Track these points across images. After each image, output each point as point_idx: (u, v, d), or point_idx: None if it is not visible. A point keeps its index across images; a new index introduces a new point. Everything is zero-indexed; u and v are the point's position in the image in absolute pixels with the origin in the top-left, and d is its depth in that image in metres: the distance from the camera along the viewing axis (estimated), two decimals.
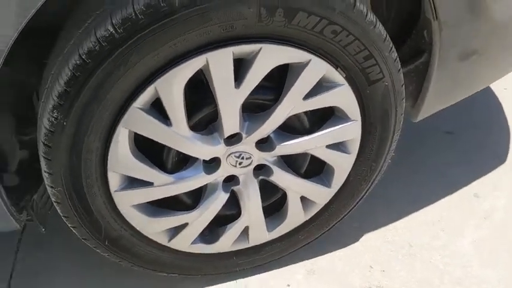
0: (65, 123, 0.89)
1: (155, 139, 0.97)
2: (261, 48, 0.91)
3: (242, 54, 0.91)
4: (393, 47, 1.02)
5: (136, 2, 0.82)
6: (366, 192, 1.23)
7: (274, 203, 1.21)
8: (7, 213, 1.00)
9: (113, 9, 0.82)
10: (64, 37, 0.90)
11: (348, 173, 1.16)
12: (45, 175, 0.97)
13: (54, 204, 1.02)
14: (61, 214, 1.04)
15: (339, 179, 1.18)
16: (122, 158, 0.96)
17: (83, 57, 0.84)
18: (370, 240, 1.38)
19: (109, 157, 0.95)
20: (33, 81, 1.01)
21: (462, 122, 1.72)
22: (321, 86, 1.01)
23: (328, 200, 1.21)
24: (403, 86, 1.08)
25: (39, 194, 1.14)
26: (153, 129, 0.95)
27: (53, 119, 0.88)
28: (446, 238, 1.38)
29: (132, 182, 1.02)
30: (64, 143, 0.91)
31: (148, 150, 1.01)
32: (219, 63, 0.90)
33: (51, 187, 0.98)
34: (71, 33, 0.87)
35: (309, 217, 1.22)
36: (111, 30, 0.82)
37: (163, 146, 1.01)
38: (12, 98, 1.04)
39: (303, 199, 1.19)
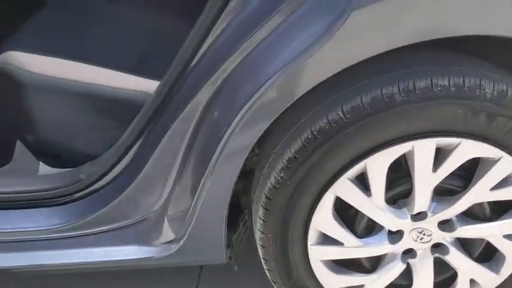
0: (288, 182, 1.10)
1: (354, 205, 1.14)
2: (460, 142, 1.06)
3: (443, 144, 1.07)
4: None
5: (364, 95, 1.02)
6: None
7: (442, 282, 1.31)
8: (223, 245, 1.22)
9: (343, 100, 1.04)
10: (295, 114, 1.12)
11: None
12: (259, 221, 1.18)
13: (259, 247, 1.23)
14: (262, 257, 1.24)
15: (508, 268, 1.24)
16: (325, 218, 1.15)
17: (314, 133, 1.05)
18: None
19: (314, 215, 1.14)
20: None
21: None
22: (509, 180, 1.12)
23: (494, 287, 1.28)
24: None
25: (237, 234, 1.36)
26: (355, 197, 1.13)
27: (279, 177, 1.10)
28: None
29: (326, 240, 1.20)
30: (283, 198, 1.13)
31: (343, 213, 1.19)
32: (422, 151, 1.06)
33: (262, 232, 1.19)
34: (302, 112, 1.10)
35: None
36: (341, 115, 1.03)
37: (356, 212, 1.18)
38: None
39: (471, 281, 1.27)
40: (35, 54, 1.28)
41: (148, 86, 1.28)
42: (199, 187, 1.13)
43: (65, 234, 1.25)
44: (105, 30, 1.51)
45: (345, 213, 1.19)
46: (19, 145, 1.40)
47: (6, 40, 1.33)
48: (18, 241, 1.26)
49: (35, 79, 1.25)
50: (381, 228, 1.20)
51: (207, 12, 1.05)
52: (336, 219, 1.16)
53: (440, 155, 1.09)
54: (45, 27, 1.43)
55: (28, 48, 1.29)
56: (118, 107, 1.29)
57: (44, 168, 1.36)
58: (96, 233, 1.25)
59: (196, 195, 1.13)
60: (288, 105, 1.03)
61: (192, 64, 1.09)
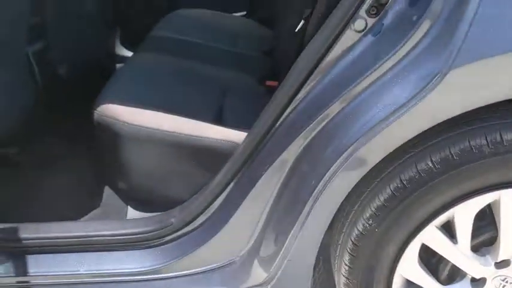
0: (376, 230, 1.15)
1: (440, 253, 1.18)
2: None
3: None
4: None
5: (452, 146, 1.07)
6: None
7: None
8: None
9: (433, 150, 1.09)
10: (383, 164, 1.17)
11: None
12: (344, 267, 1.22)
13: None
14: None
15: None
16: (410, 264, 1.19)
17: (404, 182, 1.10)
18: None
19: (400, 262, 1.18)
20: None
21: None
22: None
23: None
24: None
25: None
26: (441, 245, 1.16)
27: (368, 225, 1.15)
28: None
29: (410, 286, 1.23)
30: (370, 245, 1.17)
31: (426, 260, 1.22)
32: (509, 200, 1.10)
33: (347, 278, 1.23)
34: (390, 162, 1.14)
35: None
36: (430, 165, 1.08)
37: (440, 259, 1.21)
38: None
39: None
40: (129, 106, 1.38)
41: (232, 135, 1.37)
42: (290, 235, 1.18)
43: (154, 276, 1.31)
44: (188, 84, 1.63)
45: (428, 260, 1.23)
46: (107, 190, 1.49)
47: (103, 93, 1.44)
48: (110, 282, 1.32)
49: (129, 129, 1.35)
50: (464, 275, 1.23)
51: (299, 70, 1.14)
52: (421, 266, 1.20)
53: None
54: (136, 81, 1.55)
55: (123, 101, 1.39)
56: (204, 155, 1.37)
57: (132, 213, 1.44)
58: (185, 276, 1.31)
59: (286, 243, 1.19)
60: (380, 159, 1.09)
61: (283, 117, 1.17)
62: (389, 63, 1.03)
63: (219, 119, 1.50)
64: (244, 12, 2.70)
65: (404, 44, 1.00)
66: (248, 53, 2.11)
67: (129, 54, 2.75)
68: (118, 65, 2.75)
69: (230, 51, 2.09)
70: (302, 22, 1.27)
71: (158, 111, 1.38)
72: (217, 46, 2.10)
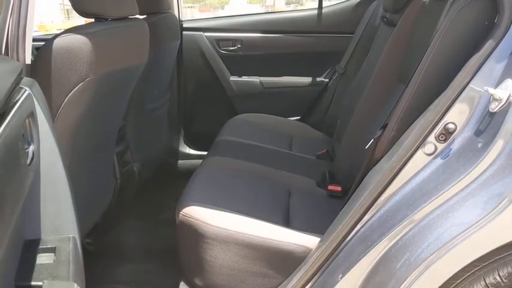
0: None
1: None
2: None
3: None
4: None
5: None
6: None
7: None
8: None
9: (499, 265, 1.17)
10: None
11: None
12: None
13: None
14: None
15: None
16: None
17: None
18: None
19: None
20: None
21: None
22: None
23: None
24: None
25: None
26: None
27: None
28: None
29: None
30: None
31: None
32: None
33: None
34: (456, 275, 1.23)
35: None
36: (498, 279, 1.16)
37: None
38: None
39: None
40: (210, 208, 1.53)
41: (303, 239, 1.49)
42: None
43: None
44: (257, 186, 1.79)
45: None
46: (182, 286, 1.60)
47: (186, 195, 1.60)
48: None
49: (212, 230, 1.48)
50: None
51: (372, 186, 1.27)
52: None
53: None
54: (213, 184, 1.72)
55: (204, 203, 1.54)
56: (277, 257, 1.48)
57: None
58: None
59: None
60: (449, 276, 1.17)
61: (355, 230, 1.29)
62: (458, 186, 1.15)
63: (287, 220, 1.62)
64: (299, 117, 2.92)
65: (473, 169, 1.13)
66: (304, 155, 2.27)
67: (191, 151, 2.99)
68: (180, 161, 2.99)
69: (288, 153, 2.27)
70: (372, 140, 1.42)
71: (236, 213, 1.52)
72: (277, 149, 2.29)
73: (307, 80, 2.87)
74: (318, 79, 2.87)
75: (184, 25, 2.84)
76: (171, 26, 2.46)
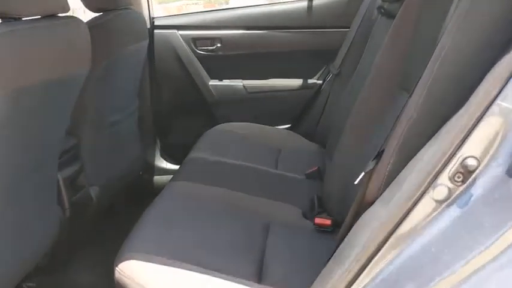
0: None
1: None
2: None
3: None
4: None
5: None
6: None
7: None
8: None
9: None
10: None
11: None
12: None
13: None
14: None
15: None
16: None
17: None
18: None
19: None
20: None
21: None
22: None
23: None
24: None
25: None
26: None
27: None
28: None
29: None
30: None
31: None
32: None
33: None
34: None
35: None
36: None
37: None
38: None
39: None
40: (154, 263, 1.17)
41: None
42: None
43: None
44: (222, 222, 1.43)
45: None
46: None
47: (127, 244, 1.25)
48: None
49: None
50: None
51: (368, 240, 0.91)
52: None
53: None
54: (168, 225, 1.37)
55: (147, 256, 1.19)
56: None
57: None
58: None
59: None
60: None
61: None
62: (486, 252, 0.78)
63: (259, 271, 1.26)
64: (289, 126, 2.57)
65: (509, 227, 0.76)
66: (291, 175, 1.92)
67: (168, 166, 2.64)
68: (156, 177, 2.64)
69: (272, 173, 1.91)
70: (362, 174, 1.05)
71: (188, 269, 1.16)
72: (259, 167, 1.93)
73: (298, 82, 2.51)
74: (310, 81, 2.51)
75: (156, 23, 2.49)
76: (132, 24, 2.10)
